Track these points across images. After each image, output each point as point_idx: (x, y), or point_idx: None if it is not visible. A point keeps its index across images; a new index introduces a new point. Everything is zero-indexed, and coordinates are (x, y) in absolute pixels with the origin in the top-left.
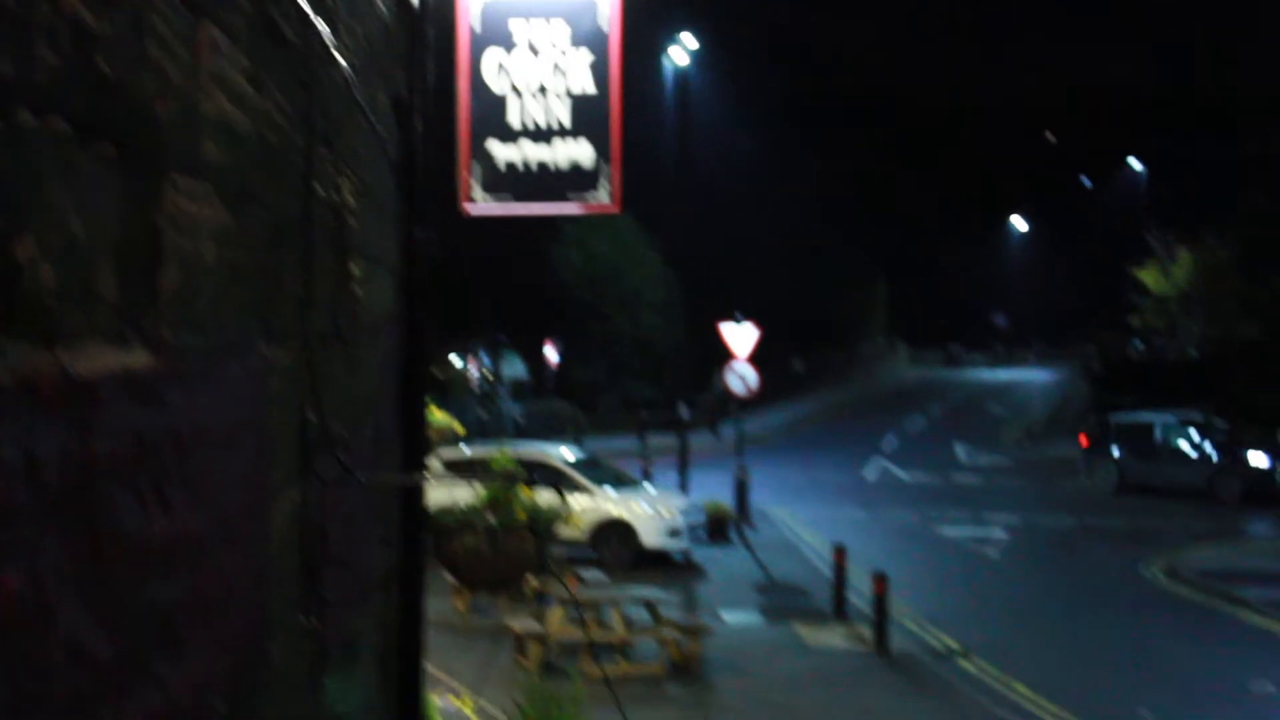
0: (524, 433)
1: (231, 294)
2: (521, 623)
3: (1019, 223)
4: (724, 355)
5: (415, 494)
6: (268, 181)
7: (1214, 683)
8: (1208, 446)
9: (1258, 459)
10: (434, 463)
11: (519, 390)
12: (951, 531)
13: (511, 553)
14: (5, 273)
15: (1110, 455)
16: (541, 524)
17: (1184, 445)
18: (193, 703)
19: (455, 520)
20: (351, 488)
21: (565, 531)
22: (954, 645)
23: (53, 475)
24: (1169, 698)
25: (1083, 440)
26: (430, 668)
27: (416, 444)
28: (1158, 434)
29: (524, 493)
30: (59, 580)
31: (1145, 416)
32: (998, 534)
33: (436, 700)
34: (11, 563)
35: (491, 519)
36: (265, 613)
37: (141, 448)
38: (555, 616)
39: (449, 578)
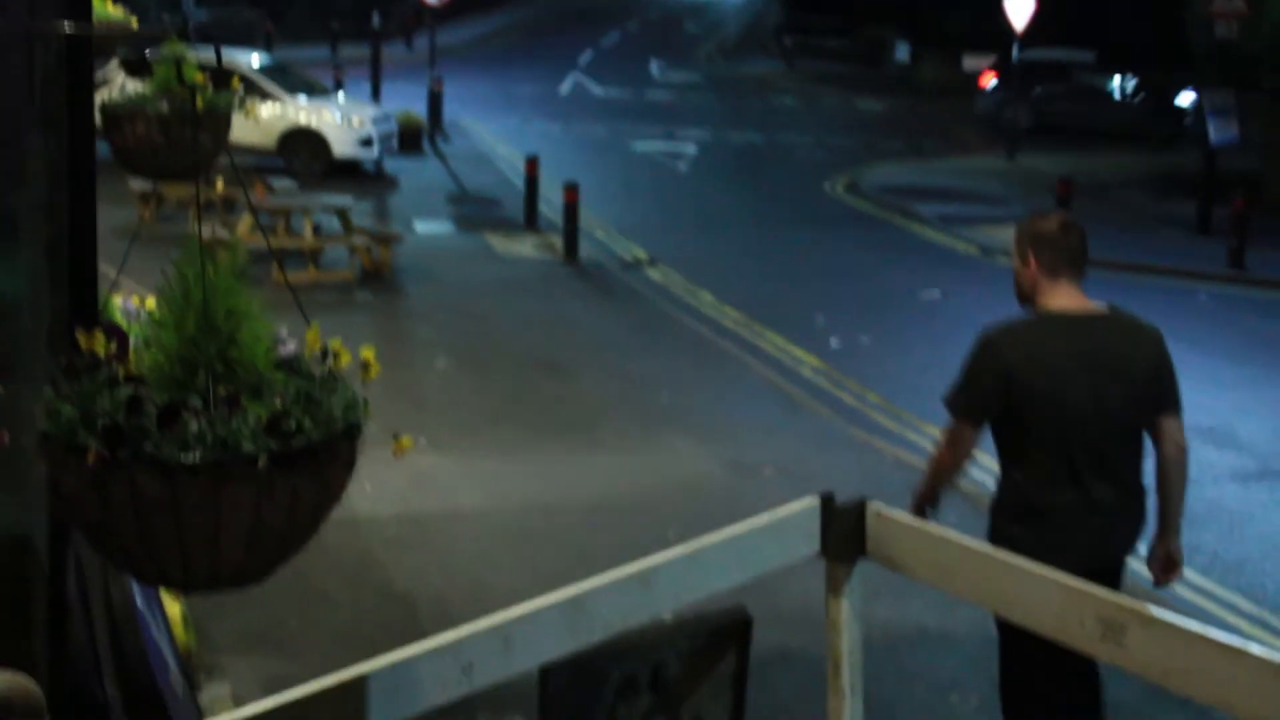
0: (208, 39)
1: None
2: (206, 230)
3: None
4: None
5: (81, 63)
6: None
7: (887, 292)
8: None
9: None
10: (110, 65)
11: None
12: (643, 146)
13: (186, 143)
14: None
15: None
16: (219, 112)
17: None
18: None
19: (125, 108)
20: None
21: (251, 138)
22: (642, 255)
23: None
24: (844, 305)
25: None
26: (112, 272)
27: (82, 18)
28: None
29: (197, 79)
30: None
31: (1059, 54)
32: (688, 149)
33: (117, 300)
34: None
35: (164, 107)
36: None
37: None
38: (244, 224)
39: (135, 186)
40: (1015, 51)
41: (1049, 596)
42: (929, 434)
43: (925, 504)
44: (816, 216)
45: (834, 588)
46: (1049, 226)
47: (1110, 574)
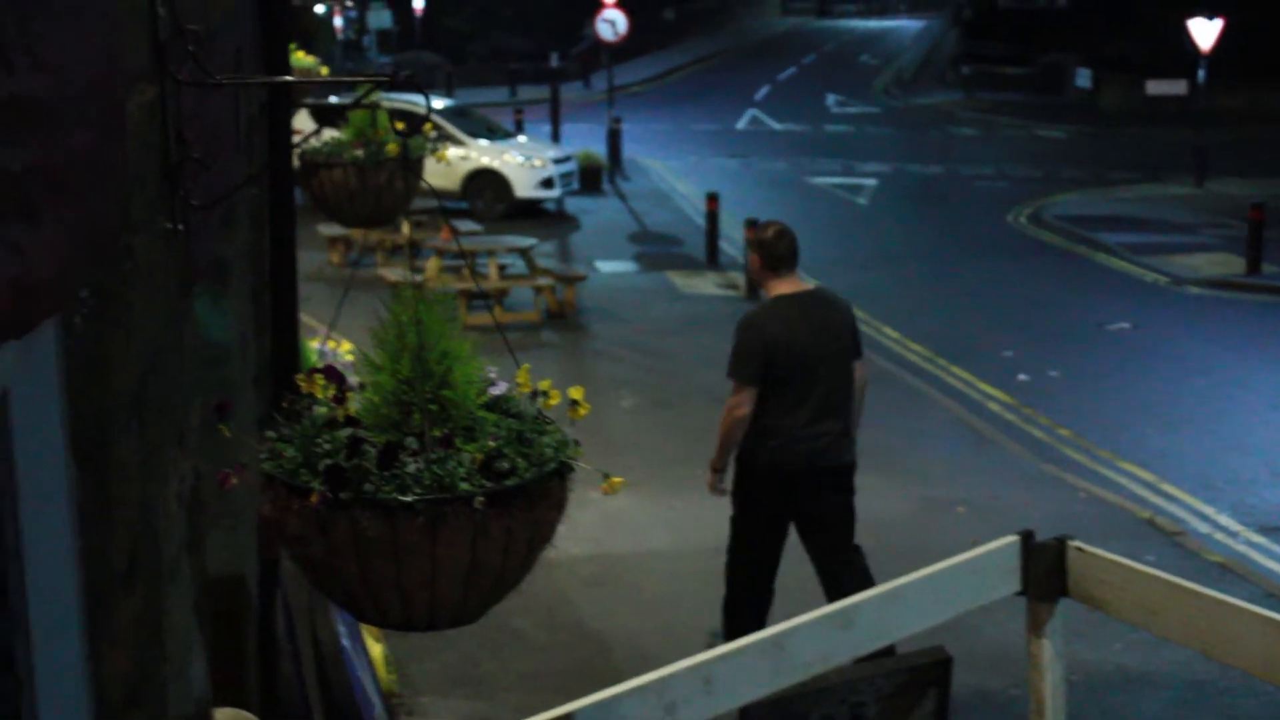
0: (405, 87)
1: None
2: (396, 273)
3: None
4: (594, 3)
5: (281, 114)
6: None
7: (1073, 323)
8: None
9: None
10: (300, 111)
11: (385, 40)
12: (822, 180)
13: (380, 188)
14: None
15: None
16: (411, 156)
17: None
18: (54, 278)
19: (323, 155)
20: (211, 96)
21: (437, 181)
22: None
23: None
24: (1030, 338)
25: None
26: (305, 317)
27: (278, 69)
28: None
29: (388, 123)
30: None
31: None
32: (867, 182)
33: (313, 344)
34: None
35: (359, 153)
36: (125, 206)
37: None
38: (431, 266)
39: (324, 231)
40: (1201, 75)
41: (1258, 635)
42: (1124, 469)
43: (721, 465)
44: (999, 248)
45: (1035, 627)
46: (766, 235)
47: (838, 472)
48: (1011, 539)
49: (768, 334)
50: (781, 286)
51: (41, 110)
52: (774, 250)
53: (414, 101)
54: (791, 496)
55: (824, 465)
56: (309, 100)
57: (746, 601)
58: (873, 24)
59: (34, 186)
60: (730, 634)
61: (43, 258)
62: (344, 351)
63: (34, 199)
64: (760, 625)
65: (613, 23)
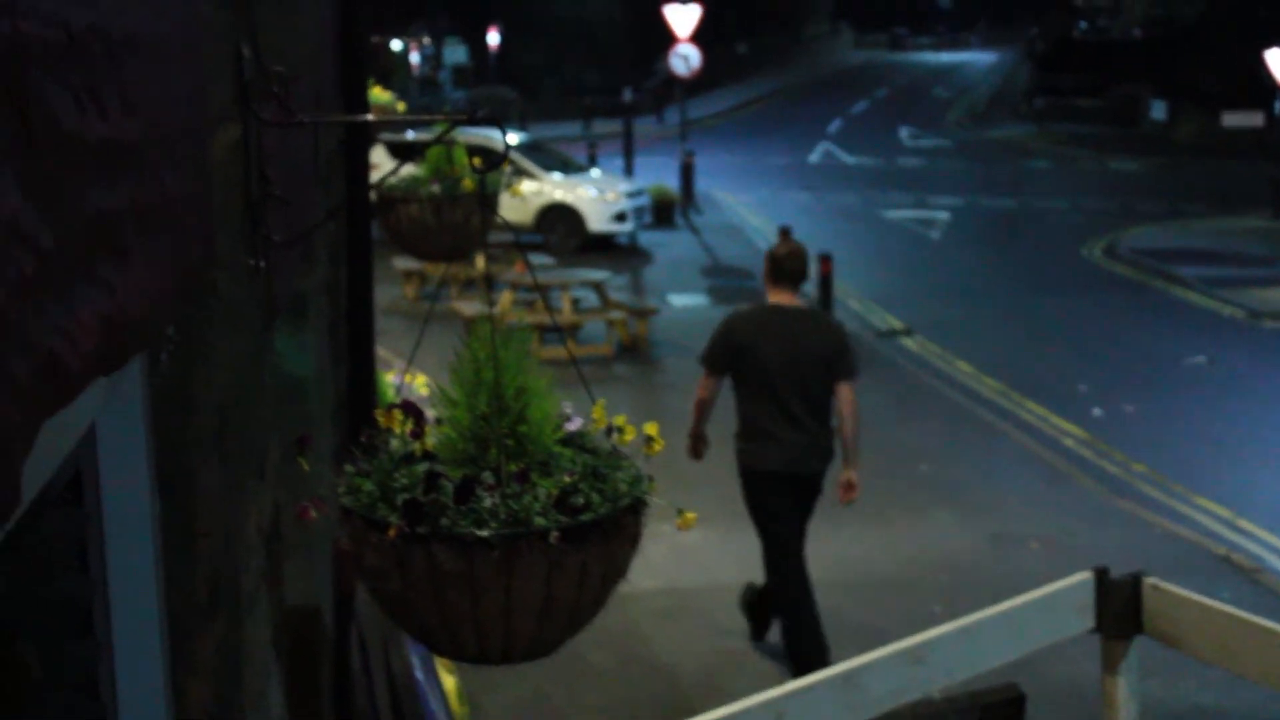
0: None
1: None
2: (471, 307)
3: None
4: (668, 39)
5: (358, 150)
6: None
7: (1149, 358)
8: None
9: None
10: (377, 146)
11: (460, 76)
12: (895, 213)
13: (456, 223)
14: None
15: None
16: (487, 190)
17: None
18: (143, 315)
19: (400, 191)
20: (292, 134)
21: (511, 215)
22: (898, 324)
23: None
24: (1105, 372)
25: None
26: (380, 350)
27: (357, 109)
28: None
29: (464, 160)
30: None
31: None
32: (941, 216)
33: (388, 376)
34: None
35: (435, 189)
36: (210, 243)
37: (71, 41)
38: (505, 300)
39: (399, 265)
40: (1277, 106)
41: None
42: (1199, 505)
43: (697, 439)
44: (1074, 281)
45: (1110, 665)
46: (779, 251)
47: (803, 479)
48: (1085, 575)
49: (737, 336)
50: (773, 298)
51: (133, 152)
52: (780, 266)
53: (490, 137)
54: (777, 490)
55: (792, 471)
56: (386, 136)
57: (799, 600)
58: (945, 57)
59: (125, 226)
60: (793, 633)
61: (133, 296)
62: (419, 385)
63: (125, 238)
64: (817, 624)
65: (686, 57)
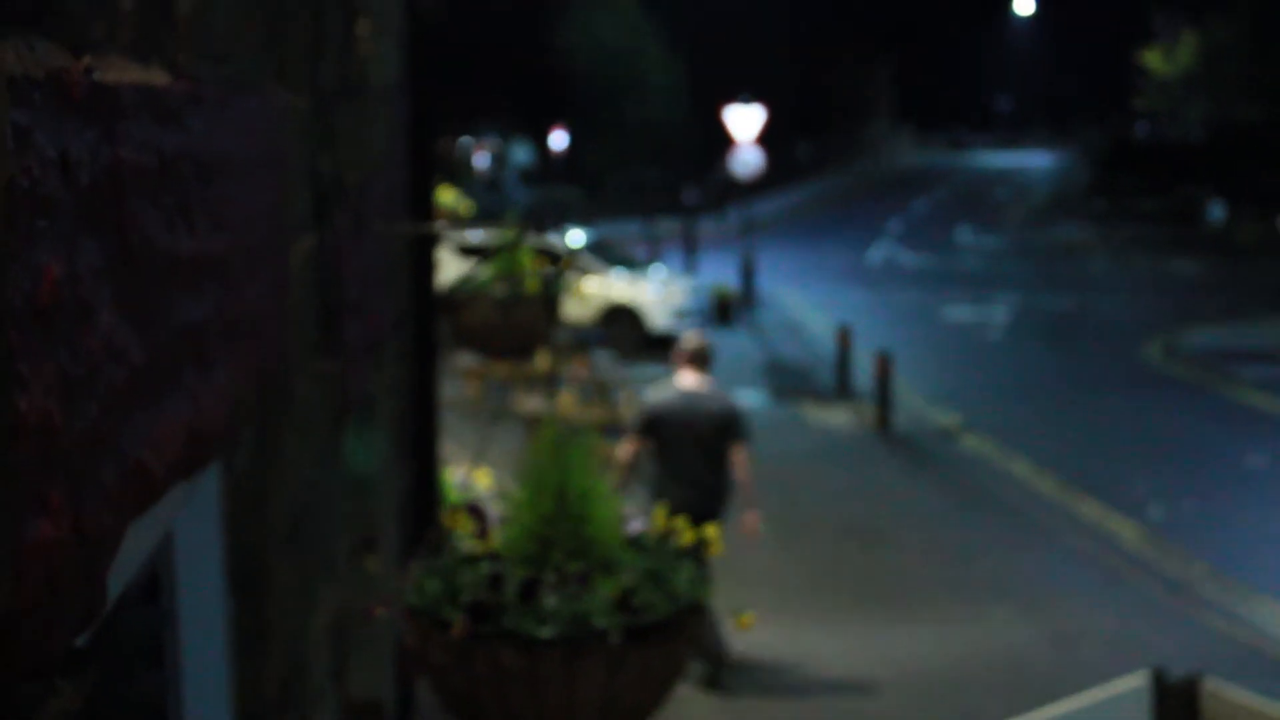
0: (531, 217)
1: (245, 30)
2: (532, 404)
3: (1024, 3)
4: (729, 139)
5: (425, 253)
6: None
7: (1210, 458)
8: None
9: None
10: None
11: (526, 176)
12: (954, 313)
13: (522, 323)
14: None
15: None
16: (552, 292)
17: None
18: (223, 423)
19: (467, 293)
20: (365, 241)
21: (574, 313)
22: (955, 423)
23: (84, 176)
24: (1164, 472)
25: None
26: (444, 446)
27: (425, 211)
28: None
29: (530, 264)
30: (95, 279)
31: None
32: (999, 316)
33: (452, 473)
34: (52, 254)
35: (501, 291)
36: (287, 349)
37: (164, 165)
38: (566, 398)
39: (461, 363)
40: None
41: None
42: (1260, 608)
43: (619, 486)
44: (1132, 382)
45: None
46: (686, 344)
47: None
48: (1143, 677)
49: (650, 404)
50: (681, 379)
51: (218, 266)
52: (685, 353)
53: (555, 241)
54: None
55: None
56: (453, 246)
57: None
58: (1005, 157)
59: (210, 337)
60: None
61: (214, 404)
62: (481, 481)
63: (209, 348)
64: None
65: (748, 160)
